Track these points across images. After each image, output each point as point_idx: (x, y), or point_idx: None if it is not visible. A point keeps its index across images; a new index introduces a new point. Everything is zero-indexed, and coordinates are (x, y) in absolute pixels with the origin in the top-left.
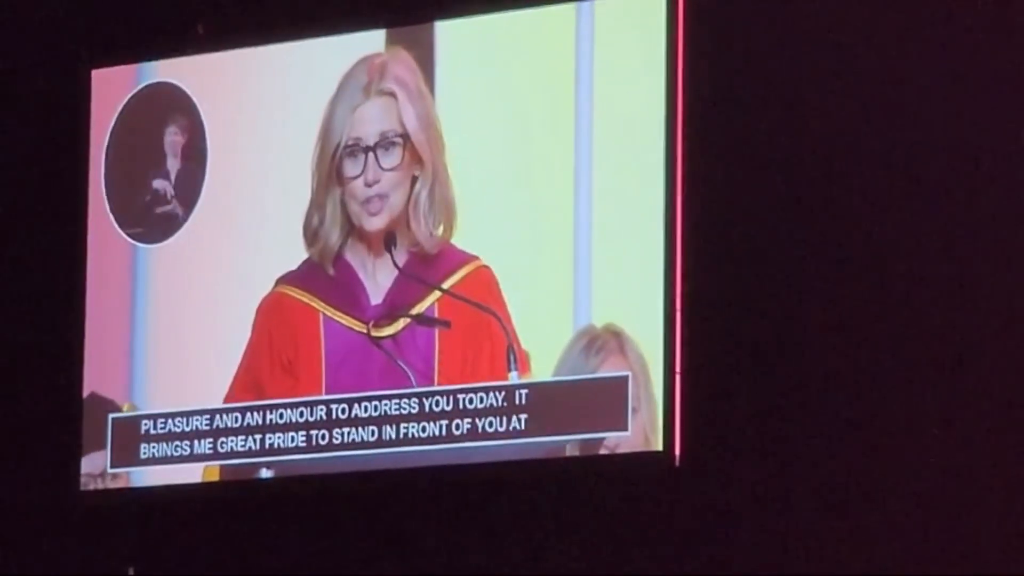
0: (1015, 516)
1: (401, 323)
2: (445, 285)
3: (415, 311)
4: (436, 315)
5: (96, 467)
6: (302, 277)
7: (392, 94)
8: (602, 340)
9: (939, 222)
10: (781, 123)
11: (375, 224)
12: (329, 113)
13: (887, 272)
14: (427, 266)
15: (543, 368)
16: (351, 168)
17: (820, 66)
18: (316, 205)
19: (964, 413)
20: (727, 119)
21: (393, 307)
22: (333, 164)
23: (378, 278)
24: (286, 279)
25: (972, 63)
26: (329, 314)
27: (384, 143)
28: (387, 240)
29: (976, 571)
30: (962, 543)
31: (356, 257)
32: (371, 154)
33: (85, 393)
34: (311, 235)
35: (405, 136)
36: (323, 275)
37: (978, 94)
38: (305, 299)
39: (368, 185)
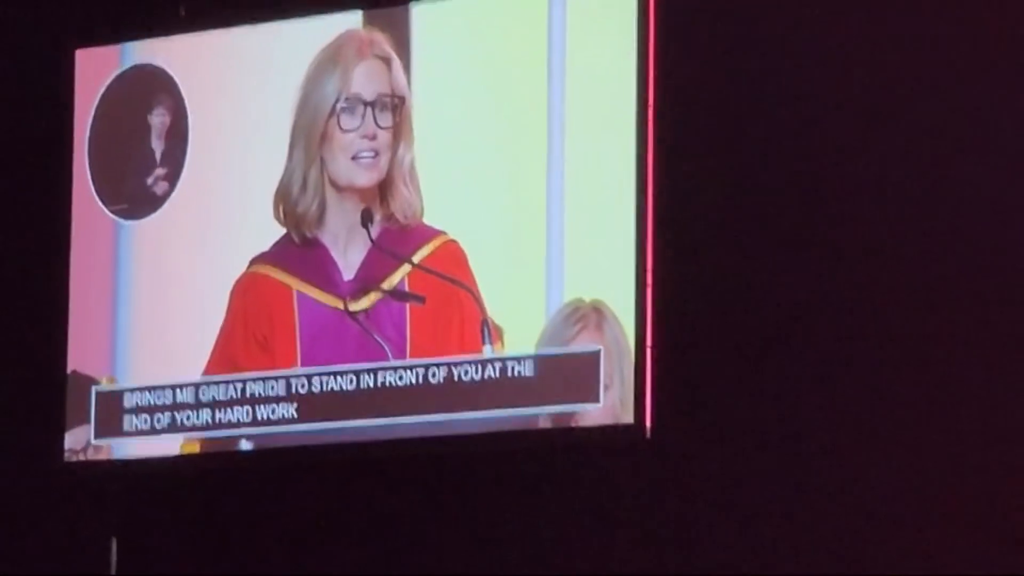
0: (979, 491)
1: (374, 296)
2: (415, 259)
3: (387, 285)
4: (407, 289)
5: (79, 442)
6: (276, 256)
7: (387, 60)
8: (583, 312)
9: (905, 203)
10: (752, 104)
11: (365, 179)
12: (317, 77)
13: (856, 249)
14: (396, 240)
15: (517, 341)
16: (349, 122)
17: (791, 48)
18: (296, 171)
19: (931, 389)
20: (698, 99)
21: (366, 282)
22: (328, 122)
23: (349, 255)
24: (260, 258)
25: (941, 59)
26: (303, 290)
27: (380, 102)
28: (364, 217)
29: (944, 540)
30: (928, 513)
31: (328, 234)
32: (370, 109)
33: (68, 369)
34: (289, 204)
35: (400, 100)
36: (296, 253)
37: (946, 89)
38: (279, 276)
39: (364, 138)
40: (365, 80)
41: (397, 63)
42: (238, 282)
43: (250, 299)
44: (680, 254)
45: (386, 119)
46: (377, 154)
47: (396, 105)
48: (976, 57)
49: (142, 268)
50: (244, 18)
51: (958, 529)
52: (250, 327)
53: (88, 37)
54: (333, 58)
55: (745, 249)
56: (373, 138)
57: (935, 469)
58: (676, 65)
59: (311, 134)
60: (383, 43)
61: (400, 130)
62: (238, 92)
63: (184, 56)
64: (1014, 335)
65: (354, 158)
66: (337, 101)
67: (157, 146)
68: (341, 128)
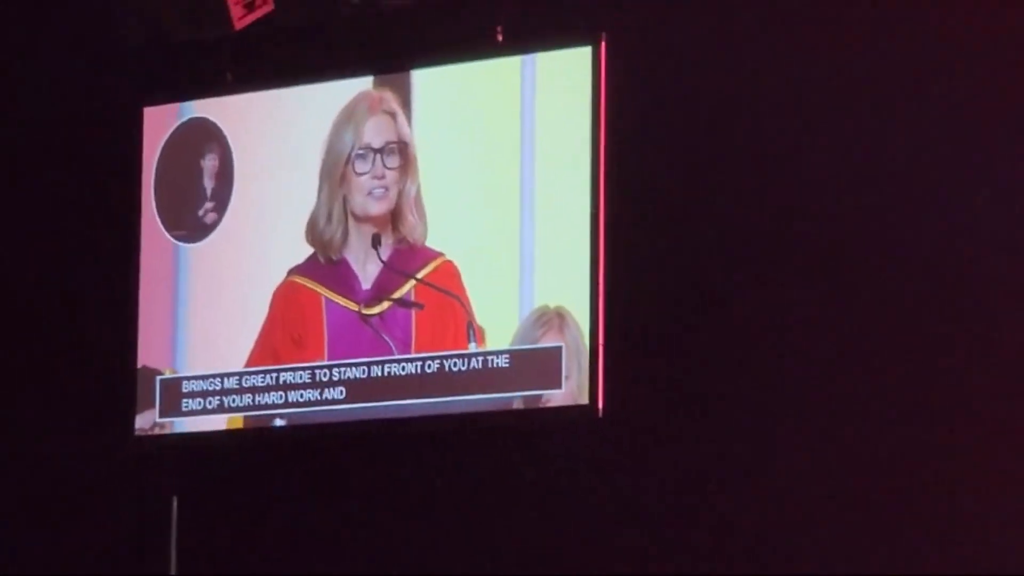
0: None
1: (385, 304)
2: (419, 275)
3: (396, 295)
4: (413, 299)
5: (147, 422)
6: (308, 269)
7: (392, 114)
8: (548, 316)
9: (850, 205)
10: (685, 143)
11: (377, 208)
12: (337, 131)
13: (791, 249)
14: (405, 261)
15: (495, 340)
16: (362, 167)
17: (718, 89)
18: (322, 206)
19: (869, 370)
20: (641, 142)
21: (379, 292)
22: (346, 167)
23: (367, 270)
24: (295, 270)
25: (863, 68)
26: (330, 297)
27: (388, 149)
28: (374, 240)
29: (888, 507)
30: (878, 490)
31: (351, 253)
32: (378, 155)
33: (138, 364)
34: (316, 233)
35: (404, 144)
36: (325, 267)
37: (870, 97)
38: (310, 286)
39: (375, 178)
40: (374, 132)
41: (401, 116)
42: (278, 289)
43: (287, 303)
44: (628, 270)
45: (393, 161)
46: (387, 189)
47: (401, 149)
48: (926, 63)
49: (196, 282)
50: (280, 82)
51: (905, 498)
52: (288, 326)
53: (154, 97)
54: (350, 115)
55: (685, 266)
56: (382, 177)
57: (871, 442)
58: (624, 114)
59: (333, 177)
60: (391, 100)
61: (405, 169)
62: (274, 141)
63: (231, 112)
64: (964, 327)
65: (368, 194)
66: (352, 149)
67: (208, 184)
68: (356, 172)
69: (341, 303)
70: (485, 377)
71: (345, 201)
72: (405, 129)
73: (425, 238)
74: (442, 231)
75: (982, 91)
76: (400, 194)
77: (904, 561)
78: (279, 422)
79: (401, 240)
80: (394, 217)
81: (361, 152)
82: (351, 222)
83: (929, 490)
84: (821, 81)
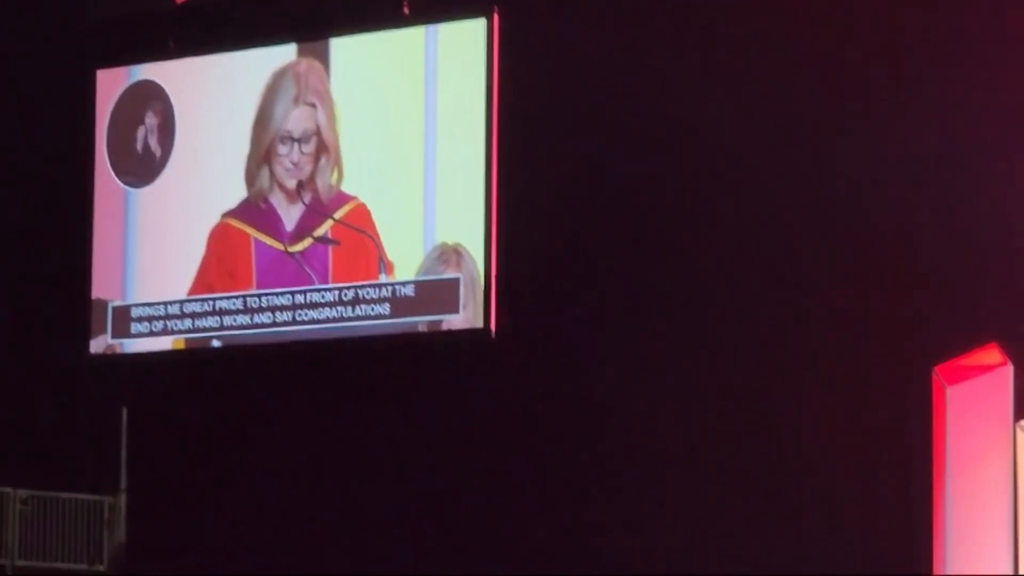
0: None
1: (307, 242)
2: (336, 216)
3: (316, 234)
4: (330, 237)
5: (100, 345)
6: (239, 212)
7: (313, 104)
8: (448, 252)
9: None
10: (571, 100)
11: (292, 184)
12: (266, 106)
13: (669, 184)
14: (323, 204)
15: (402, 272)
16: (283, 150)
17: (600, 50)
18: (254, 164)
19: (735, 324)
20: (530, 99)
21: (301, 231)
22: (271, 144)
23: (291, 213)
24: (229, 213)
25: (743, 44)
26: (258, 237)
27: (305, 138)
28: (299, 188)
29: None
30: (760, 420)
31: (276, 199)
32: (296, 143)
33: (93, 296)
34: (249, 181)
35: (319, 133)
36: (255, 210)
37: (746, 68)
38: (241, 227)
39: (292, 163)
40: (295, 122)
41: (320, 103)
42: (213, 229)
43: (221, 242)
44: (518, 211)
45: (308, 147)
46: (302, 169)
47: (317, 135)
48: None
49: (143, 223)
50: (216, 48)
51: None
52: (222, 261)
53: (105, 61)
54: (279, 97)
55: (570, 207)
56: (298, 163)
57: (754, 371)
58: (515, 76)
59: (261, 145)
60: (314, 81)
61: (320, 152)
62: (211, 100)
63: (173, 74)
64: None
65: (287, 170)
66: (278, 132)
67: (152, 137)
68: (278, 154)
69: (268, 242)
70: (393, 304)
71: (271, 166)
72: (323, 119)
73: (341, 184)
74: (356, 178)
75: (844, 93)
76: (315, 170)
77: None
78: (216, 343)
79: (316, 191)
80: (310, 181)
81: (283, 136)
82: (276, 180)
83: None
84: (698, 43)
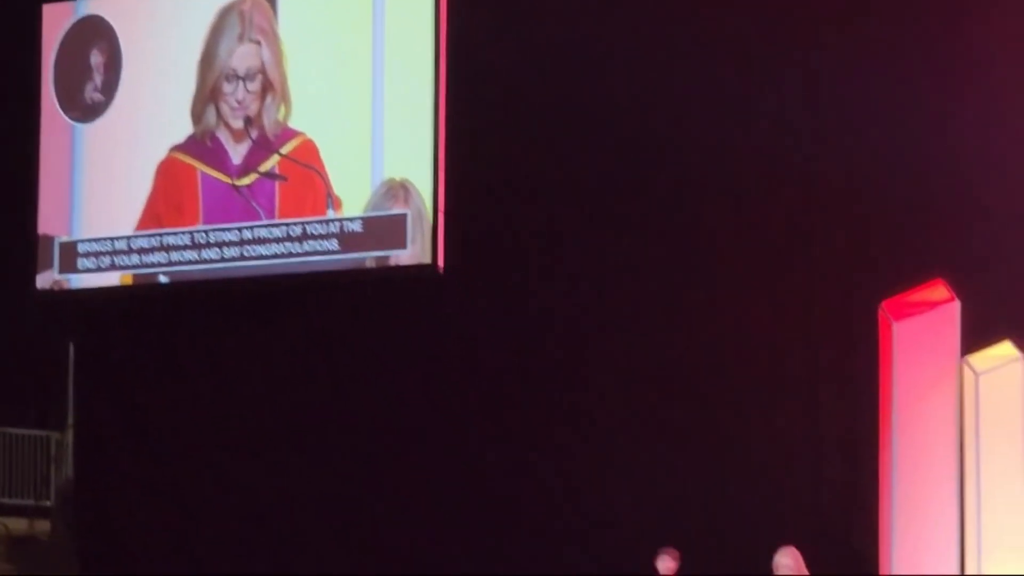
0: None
1: (254, 176)
2: (283, 151)
3: (263, 169)
4: (277, 172)
5: (47, 281)
6: (186, 146)
7: (257, 42)
8: (395, 188)
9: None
10: (517, 40)
11: (238, 123)
12: (211, 45)
13: (609, 126)
14: (271, 140)
15: (350, 208)
16: (228, 88)
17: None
18: (200, 101)
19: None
20: (477, 39)
21: (248, 166)
22: (216, 82)
23: (238, 149)
24: (176, 148)
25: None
26: (204, 171)
27: (250, 75)
28: (246, 126)
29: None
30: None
31: (223, 136)
32: (241, 81)
33: (39, 232)
34: (196, 118)
35: (264, 71)
36: (201, 145)
37: (683, 89)
38: (188, 161)
39: (238, 101)
40: (240, 60)
41: (265, 41)
42: (160, 164)
43: (169, 176)
44: (464, 148)
45: (254, 85)
46: (246, 107)
47: (263, 73)
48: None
49: (90, 158)
50: None
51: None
52: (169, 195)
53: None
54: (223, 36)
55: (515, 144)
56: (242, 100)
57: (682, 312)
58: (462, 14)
59: (207, 83)
60: (258, 19)
61: (266, 89)
62: (158, 36)
63: (120, 9)
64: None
65: (232, 109)
66: (223, 69)
67: (99, 72)
68: (223, 92)
69: (214, 175)
70: (341, 240)
71: (217, 105)
72: (268, 57)
73: (288, 120)
74: (303, 114)
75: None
76: (261, 108)
77: None
78: (163, 279)
79: (262, 127)
80: (257, 119)
81: (228, 74)
82: (222, 118)
83: None
84: None
